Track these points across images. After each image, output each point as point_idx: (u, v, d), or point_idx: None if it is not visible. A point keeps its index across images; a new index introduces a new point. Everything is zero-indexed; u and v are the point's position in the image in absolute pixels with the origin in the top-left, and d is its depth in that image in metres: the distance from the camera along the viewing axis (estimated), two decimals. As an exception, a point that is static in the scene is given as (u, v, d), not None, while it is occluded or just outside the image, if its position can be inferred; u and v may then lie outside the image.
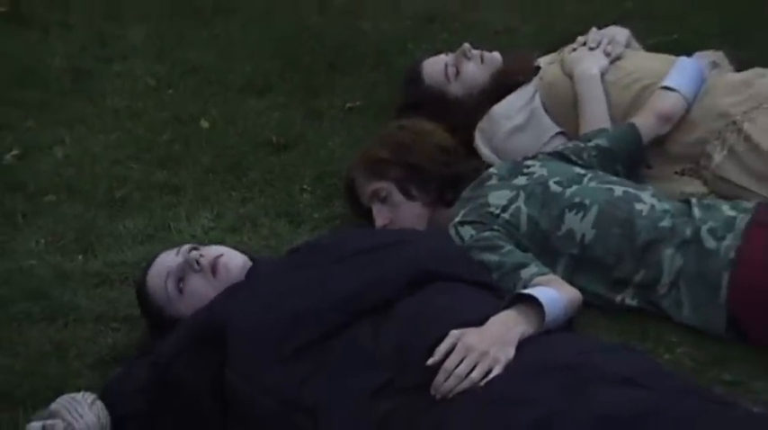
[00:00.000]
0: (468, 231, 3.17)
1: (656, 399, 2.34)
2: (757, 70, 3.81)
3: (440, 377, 2.45)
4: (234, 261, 2.94)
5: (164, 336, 2.83)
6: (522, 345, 2.55)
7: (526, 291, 2.70)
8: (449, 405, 2.42)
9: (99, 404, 2.66)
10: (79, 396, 2.67)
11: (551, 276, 2.98)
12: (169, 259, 2.97)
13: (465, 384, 2.43)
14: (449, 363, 2.46)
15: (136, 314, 3.17)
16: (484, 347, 2.48)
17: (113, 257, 3.51)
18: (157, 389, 2.67)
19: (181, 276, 2.92)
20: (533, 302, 2.65)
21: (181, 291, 2.91)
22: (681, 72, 3.72)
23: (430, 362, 2.48)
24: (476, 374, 2.44)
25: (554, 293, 2.74)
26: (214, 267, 2.91)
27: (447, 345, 2.50)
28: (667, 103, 3.65)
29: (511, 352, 2.50)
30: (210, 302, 2.80)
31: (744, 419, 2.37)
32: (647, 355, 2.92)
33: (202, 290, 2.88)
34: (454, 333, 2.53)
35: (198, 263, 2.90)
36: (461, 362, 2.46)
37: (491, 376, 2.44)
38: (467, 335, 2.52)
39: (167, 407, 2.66)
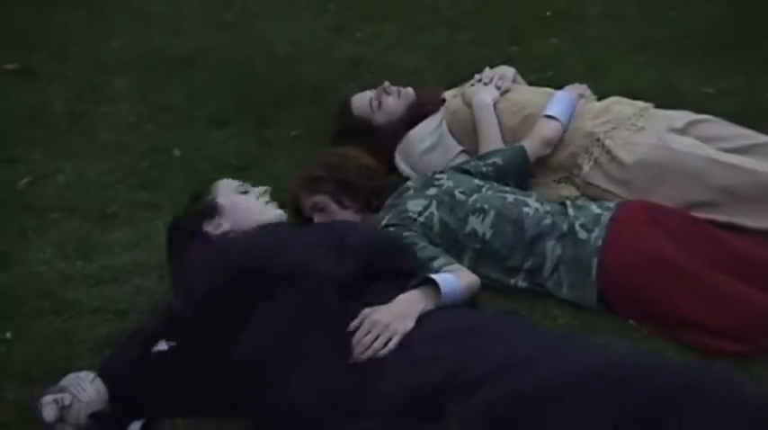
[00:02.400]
0: (391, 233, 3.19)
1: (542, 347, 2.43)
2: (614, 99, 3.85)
3: (354, 347, 2.56)
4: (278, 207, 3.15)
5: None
6: (434, 318, 2.63)
7: (428, 275, 2.77)
8: (382, 368, 2.47)
9: (98, 380, 2.66)
10: (82, 374, 2.68)
11: (456, 266, 3.02)
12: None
13: (370, 352, 2.54)
14: (358, 335, 2.57)
15: (124, 307, 3.18)
16: (386, 321, 2.58)
17: (106, 262, 3.49)
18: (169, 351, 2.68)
19: (245, 191, 3.12)
20: (433, 284, 2.74)
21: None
22: (559, 103, 3.75)
23: (351, 327, 2.59)
24: (377, 343, 2.54)
25: (452, 278, 2.82)
26: (267, 200, 3.12)
27: (357, 322, 2.60)
28: (550, 130, 3.67)
29: (410, 324, 2.60)
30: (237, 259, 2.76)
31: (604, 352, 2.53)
32: (531, 318, 2.97)
33: (249, 204, 3.07)
34: (365, 311, 2.62)
35: (265, 192, 3.13)
36: (369, 333, 2.57)
37: (391, 344, 2.54)
38: (375, 312, 2.61)
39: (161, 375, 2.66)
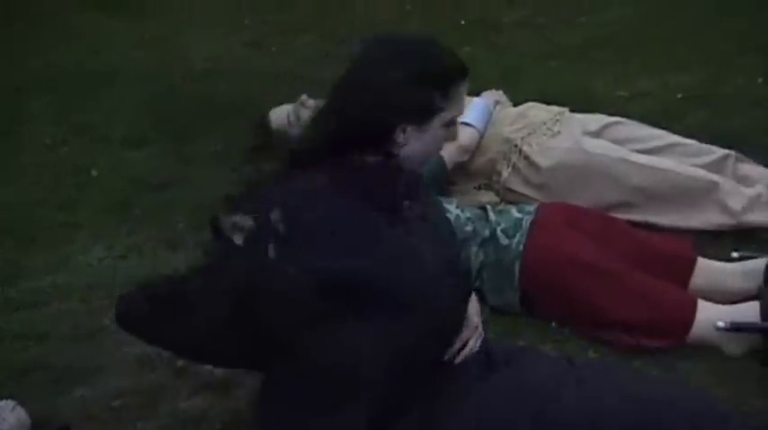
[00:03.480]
0: None
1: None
2: (529, 104, 3.88)
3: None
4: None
5: None
6: None
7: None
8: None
9: (19, 409, 2.61)
10: (2, 403, 2.62)
11: None
12: None
13: (463, 355, 2.32)
14: (465, 335, 2.34)
15: (46, 331, 3.11)
16: (476, 322, 2.39)
17: (27, 286, 3.43)
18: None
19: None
20: None
21: None
22: (474, 110, 3.74)
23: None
24: (471, 344, 2.33)
25: None
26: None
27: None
28: (466, 137, 3.66)
29: None
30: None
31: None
32: None
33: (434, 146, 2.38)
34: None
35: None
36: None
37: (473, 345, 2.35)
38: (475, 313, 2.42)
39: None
